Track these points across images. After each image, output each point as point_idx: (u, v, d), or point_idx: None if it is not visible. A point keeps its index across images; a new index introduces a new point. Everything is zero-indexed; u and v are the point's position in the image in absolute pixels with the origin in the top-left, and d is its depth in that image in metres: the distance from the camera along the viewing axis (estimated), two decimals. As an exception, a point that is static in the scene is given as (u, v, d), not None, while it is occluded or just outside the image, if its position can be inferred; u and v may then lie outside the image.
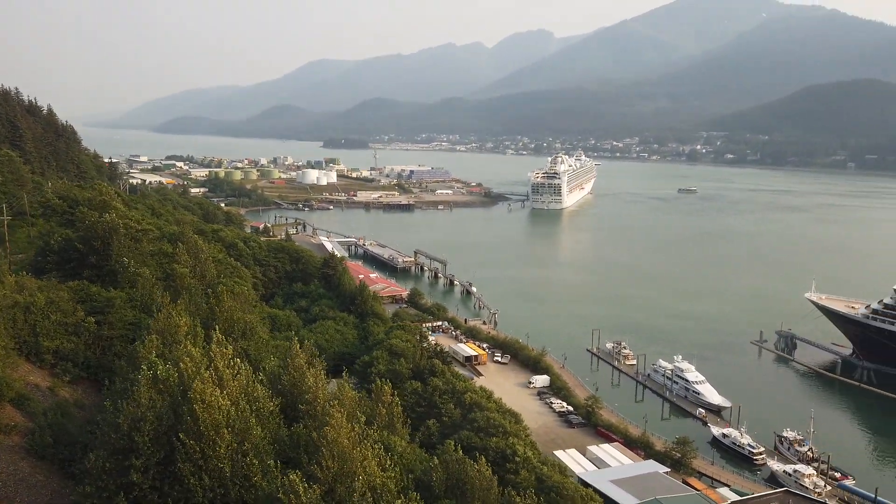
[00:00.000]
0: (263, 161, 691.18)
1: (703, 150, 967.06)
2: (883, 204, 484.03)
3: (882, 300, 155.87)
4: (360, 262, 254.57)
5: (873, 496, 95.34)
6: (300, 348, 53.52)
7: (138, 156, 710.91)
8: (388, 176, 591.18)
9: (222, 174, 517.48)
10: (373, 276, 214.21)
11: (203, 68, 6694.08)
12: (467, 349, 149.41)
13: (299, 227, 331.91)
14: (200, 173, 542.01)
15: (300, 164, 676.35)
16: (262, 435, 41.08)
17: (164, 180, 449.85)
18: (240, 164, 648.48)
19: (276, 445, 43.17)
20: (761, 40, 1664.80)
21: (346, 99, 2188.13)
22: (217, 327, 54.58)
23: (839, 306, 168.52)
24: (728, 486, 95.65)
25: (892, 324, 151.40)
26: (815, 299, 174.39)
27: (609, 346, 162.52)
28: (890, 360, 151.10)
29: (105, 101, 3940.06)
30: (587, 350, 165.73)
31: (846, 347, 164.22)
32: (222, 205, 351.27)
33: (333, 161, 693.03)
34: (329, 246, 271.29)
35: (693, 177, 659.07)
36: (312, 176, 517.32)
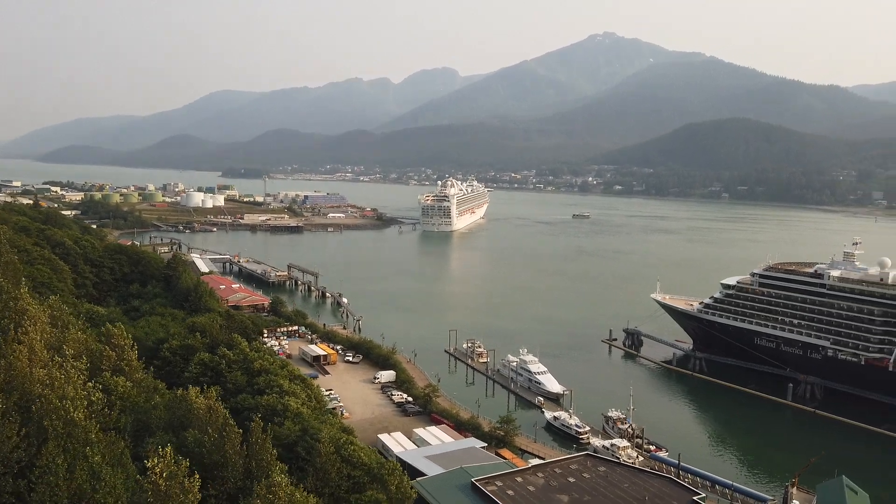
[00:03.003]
0: (151, 187, 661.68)
1: (594, 182, 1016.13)
2: (745, 227, 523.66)
3: (713, 296, 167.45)
4: (231, 277, 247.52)
5: (677, 462, 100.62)
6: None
7: (10, 181, 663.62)
8: (281, 201, 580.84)
9: (98, 197, 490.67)
10: (235, 286, 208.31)
11: (98, 96, 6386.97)
12: (317, 349, 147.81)
13: (174, 247, 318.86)
14: (76, 197, 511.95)
15: (191, 190, 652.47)
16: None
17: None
18: (125, 190, 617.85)
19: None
20: (648, 82, 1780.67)
21: (249, 130, 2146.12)
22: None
23: (679, 304, 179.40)
24: (541, 458, 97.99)
25: (719, 315, 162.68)
26: (659, 299, 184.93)
27: (465, 345, 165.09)
28: (719, 349, 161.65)
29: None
30: (445, 350, 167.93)
31: (687, 343, 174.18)
32: (93, 226, 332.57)
33: (227, 188, 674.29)
34: (200, 263, 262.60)
35: (584, 205, 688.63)
36: (197, 199, 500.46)
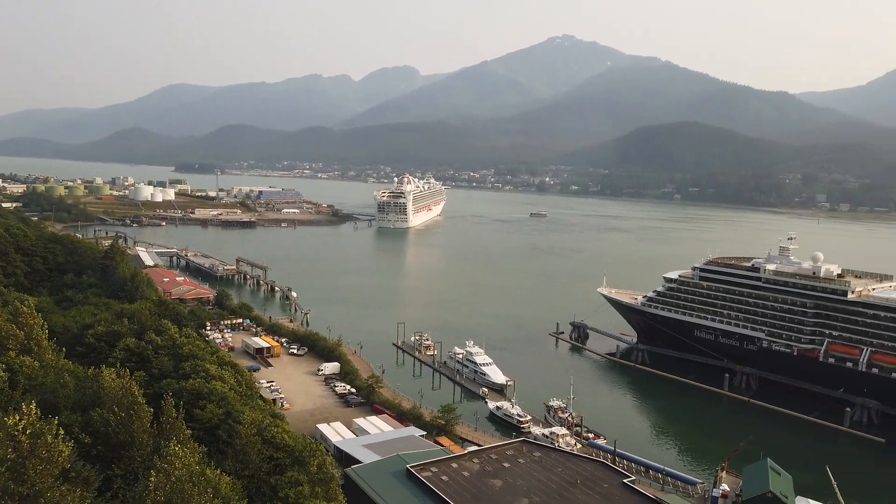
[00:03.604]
0: (98, 181, 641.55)
1: (551, 182, 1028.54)
2: (694, 227, 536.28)
3: (656, 289, 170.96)
4: (177, 271, 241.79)
5: (613, 449, 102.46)
6: None
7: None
8: (235, 197, 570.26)
9: (42, 189, 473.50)
10: (179, 279, 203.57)
11: (45, 88, 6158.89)
12: (260, 342, 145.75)
13: (120, 241, 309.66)
14: (18, 189, 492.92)
15: (141, 184, 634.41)
16: None
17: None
18: (70, 183, 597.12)
19: None
20: (605, 85, 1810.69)
21: (204, 125, 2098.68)
22: None
23: (625, 298, 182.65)
24: (478, 444, 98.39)
25: (661, 308, 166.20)
26: (605, 293, 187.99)
27: (413, 338, 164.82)
28: (661, 341, 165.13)
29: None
30: (393, 344, 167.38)
31: (632, 336, 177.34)
32: (34, 218, 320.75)
33: (179, 182, 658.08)
34: (146, 256, 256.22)
35: (541, 204, 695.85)
36: (146, 192, 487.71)
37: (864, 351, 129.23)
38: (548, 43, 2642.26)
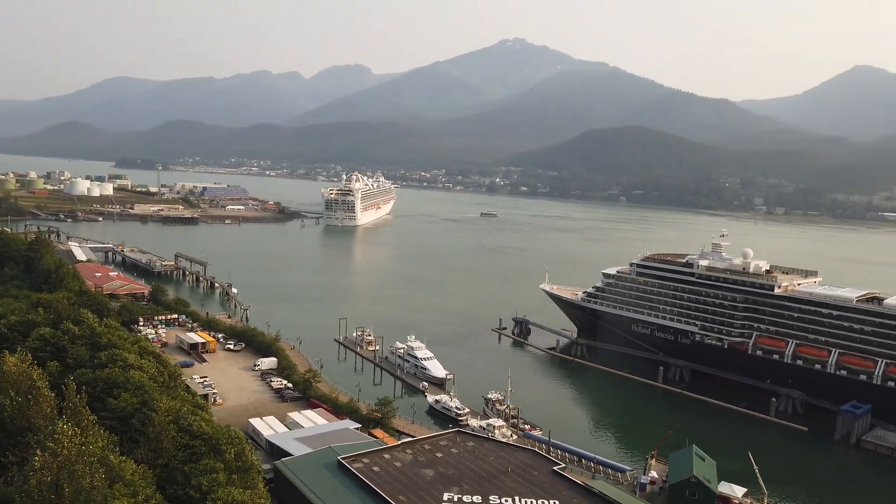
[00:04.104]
0: (32, 174, 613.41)
1: (502, 183, 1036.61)
2: (637, 227, 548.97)
3: (595, 285, 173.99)
4: (111, 266, 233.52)
5: (548, 439, 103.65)
6: None
7: None
8: (178, 192, 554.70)
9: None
10: (112, 274, 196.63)
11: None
12: (195, 337, 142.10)
13: (52, 236, 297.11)
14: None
15: (78, 178, 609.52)
16: None
17: None
18: (2, 177, 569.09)
19: None
20: (555, 89, 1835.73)
21: (148, 119, 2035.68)
22: None
23: (566, 294, 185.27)
24: (412, 436, 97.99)
25: (600, 304, 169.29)
26: (547, 289, 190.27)
27: (355, 334, 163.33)
28: (600, 336, 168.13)
29: None
30: (335, 339, 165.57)
31: (573, 331, 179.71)
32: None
33: (119, 177, 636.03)
34: (78, 251, 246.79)
35: (492, 205, 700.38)
36: (82, 187, 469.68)
37: (790, 343, 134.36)
38: (499, 46, 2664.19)
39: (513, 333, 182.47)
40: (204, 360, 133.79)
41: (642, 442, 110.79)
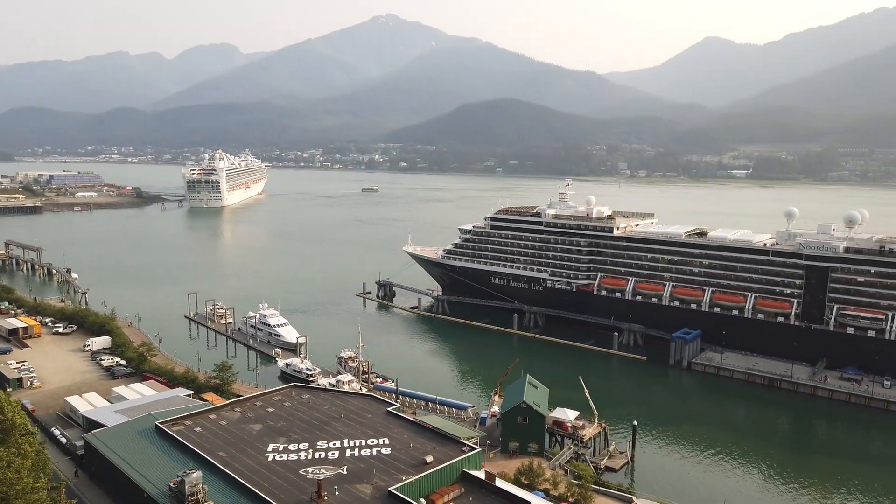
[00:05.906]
0: None
1: (381, 159, 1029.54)
2: (511, 195, 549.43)
3: (454, 242, 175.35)
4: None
5: (395, 388, 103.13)
6: None
7: None
8: (21, 182, 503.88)
9: None
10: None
11: None
12: (15, 322, 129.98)
13: None
14: None
15: None
16: None
17: None
18: None
19: None
20: (430, 65, 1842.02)
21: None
22: None
23: (428, 254, 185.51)
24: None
25: (459, 259, 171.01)
26: (410, 250, 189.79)
27: (206, 308, 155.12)
28: (462, 291, 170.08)
29: None
30: (185, 316, 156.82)
31: (437, 290, 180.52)
32: None
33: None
34: None
35: (371, 181, 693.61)
36: None
37: (630, 281, 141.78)
38: (372, 22, 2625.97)
39: (377, 297, 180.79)
40: (26, 345, 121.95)
41: (492, 382, 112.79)
